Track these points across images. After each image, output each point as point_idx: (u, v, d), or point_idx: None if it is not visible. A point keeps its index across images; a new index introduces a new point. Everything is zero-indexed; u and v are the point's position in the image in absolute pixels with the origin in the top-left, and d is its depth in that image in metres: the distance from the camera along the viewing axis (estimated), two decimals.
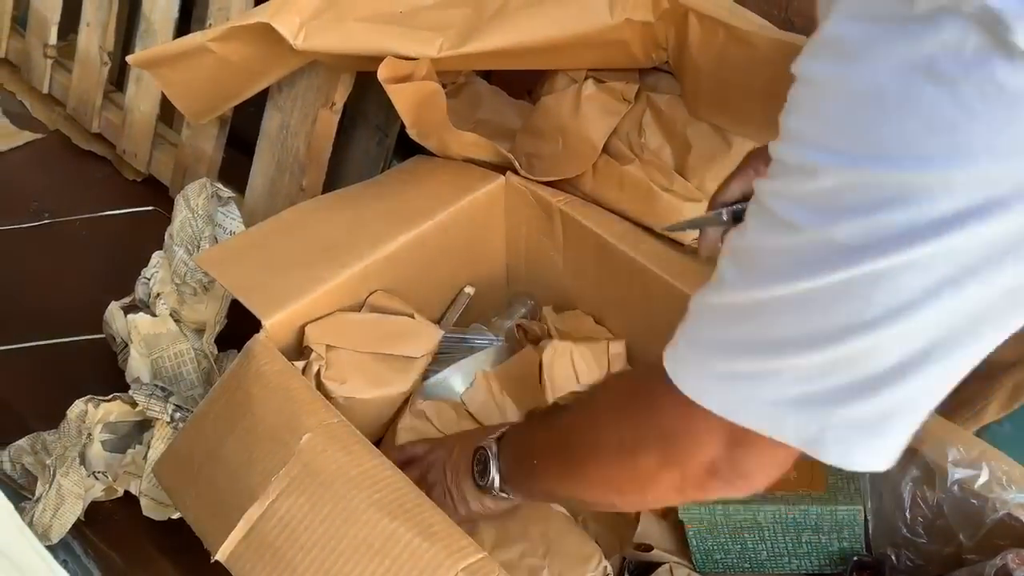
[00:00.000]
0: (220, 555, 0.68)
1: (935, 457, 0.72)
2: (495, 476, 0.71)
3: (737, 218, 0.73)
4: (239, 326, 0.90)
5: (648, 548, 0.82)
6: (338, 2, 0.92)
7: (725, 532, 0.79)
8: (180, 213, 1.02)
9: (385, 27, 0.89)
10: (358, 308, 0.87)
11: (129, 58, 1.06)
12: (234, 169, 1.23)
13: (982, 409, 0.93)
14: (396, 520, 0.65)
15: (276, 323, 0.79)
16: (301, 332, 0.82)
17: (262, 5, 0.93)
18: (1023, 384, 0.89)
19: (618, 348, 0.93)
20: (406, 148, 1.05)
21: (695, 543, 0.80)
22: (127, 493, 0.94)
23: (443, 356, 0.92)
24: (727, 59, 0.84)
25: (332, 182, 1.12)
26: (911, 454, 0.72)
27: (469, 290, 1.01)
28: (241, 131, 1.23)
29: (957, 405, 0.78)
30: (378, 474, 0.68)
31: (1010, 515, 0.69)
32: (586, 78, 0.95)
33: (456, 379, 0.90)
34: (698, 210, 0.90)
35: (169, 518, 0.91)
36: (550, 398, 0.91)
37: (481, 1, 0.89)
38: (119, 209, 1.30)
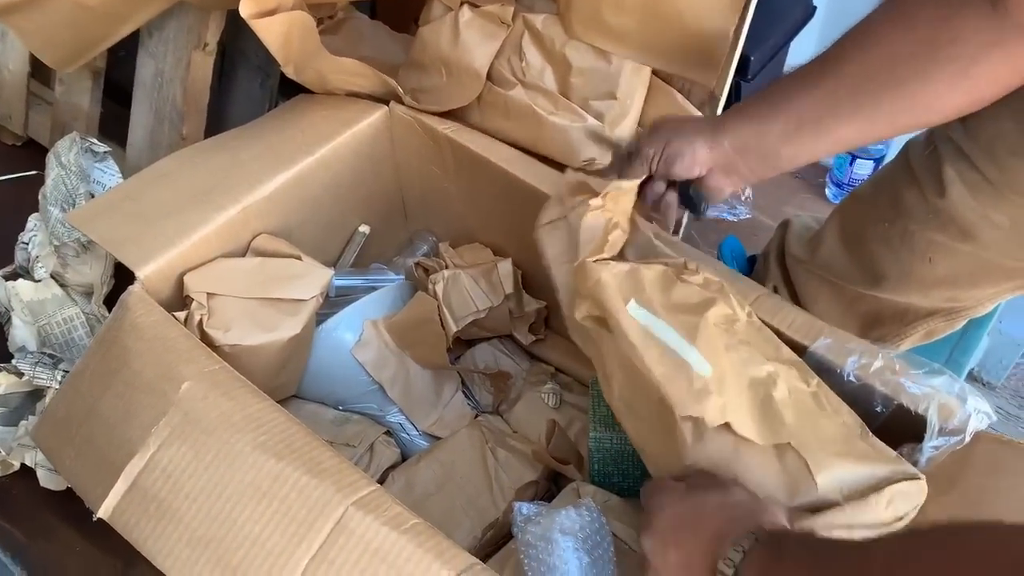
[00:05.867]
0: (102, 512, 0.66)
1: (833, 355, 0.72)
2: None
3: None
4: (129, 284, 0.87)
5: (565, 462, 0.84)
6: None
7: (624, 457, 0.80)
8: (52, 171, 0.97)
9: None
10: (242, 253, 0.84)
11: None
12: (116, 123, 1.18)
13: (895, 347, 0.96)
14: (283, 460, 0.64)
15: (152, 274, 0.76)
16: (181, 282, 0.79)
17: None
18: (935, 332, 0.92)
19: (506, 267, 0.92)
20: (292, 89, 1.01)
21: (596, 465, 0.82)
22: (23, 466, 0.91)
23: (342, 299, 0.90)
24: None
25: (216, 128, 1.08)
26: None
27: (364, 229, 0.99)
28: (121, 82, 1.17)
29: (874, 342, 0.79)
30: (263, 417, 0.67)
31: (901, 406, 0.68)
32: (462, 4, 0.92)
33: (346, 330, 0.86)
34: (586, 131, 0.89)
35: (68, 486, 0.89)
36: (452, 329, 0.91)
37: None
38: None
